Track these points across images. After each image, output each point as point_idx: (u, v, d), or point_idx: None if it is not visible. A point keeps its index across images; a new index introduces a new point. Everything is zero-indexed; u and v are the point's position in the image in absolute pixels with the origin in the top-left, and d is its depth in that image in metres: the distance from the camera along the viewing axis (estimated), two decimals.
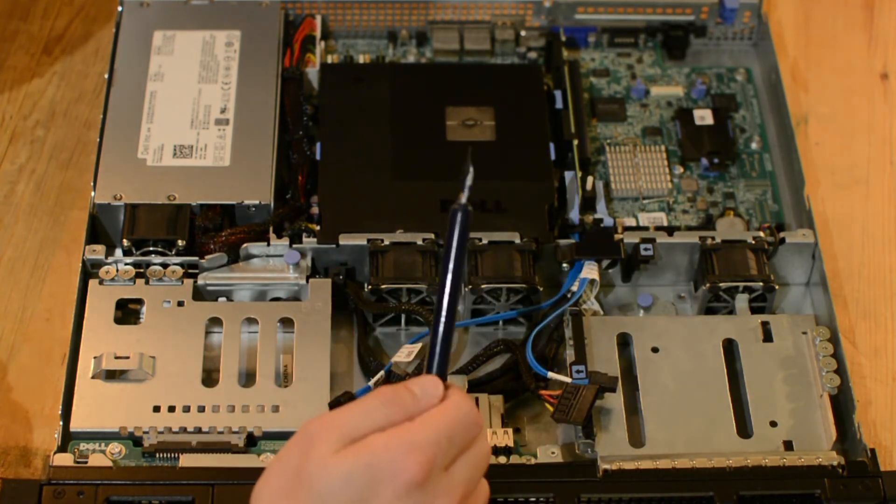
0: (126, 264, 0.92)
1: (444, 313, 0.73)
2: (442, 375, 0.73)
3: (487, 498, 0.74)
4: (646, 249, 0.94)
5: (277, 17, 1.05)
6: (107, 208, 0.94)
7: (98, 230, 0.95)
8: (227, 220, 0.95)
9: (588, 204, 0.99)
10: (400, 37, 1.09)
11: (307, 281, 0.92)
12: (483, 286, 0.91)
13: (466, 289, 0.92)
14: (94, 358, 0.88)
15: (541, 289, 0.92)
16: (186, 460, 0.84)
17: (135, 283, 0.92)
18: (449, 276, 0.73)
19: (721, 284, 0.92)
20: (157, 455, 0.85)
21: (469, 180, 0.73)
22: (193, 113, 0.99)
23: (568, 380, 0.88)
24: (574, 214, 0.97)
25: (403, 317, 0.93)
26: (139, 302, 0.91)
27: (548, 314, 0.92)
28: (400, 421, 0.70)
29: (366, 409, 0.71)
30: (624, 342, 0.91)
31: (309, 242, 0.93)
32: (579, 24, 1.09)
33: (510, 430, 0.87)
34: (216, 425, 0.85)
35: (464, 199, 0.73)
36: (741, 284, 0.92)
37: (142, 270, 0.92)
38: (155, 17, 1.04)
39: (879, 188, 1.03)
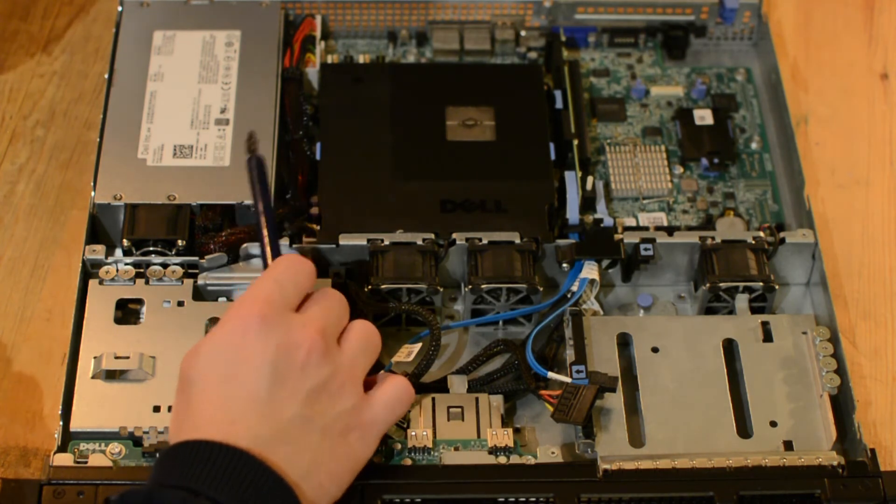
0: (126, 264, 0.92)
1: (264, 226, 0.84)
2: (273, 252, 0.84)
3: (369, 332, 0.83)
4: (646, 249, 0.94)
5: (277, 17, 1.05)
6: (107, 208, 0.94)
7: (98, 230, 0.95)
8: (227, 220, 0.95)
9: (588, 204, 0.99)
10: (400, 37, 1.09)
11: None
12: (483, 286, 0.91)
13: (467, 289, 0.92)
14: (94, 358, 0.88)
15: (541, 289, 0.92)
16: None
17: (135, 283, 0.92)
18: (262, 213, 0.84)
19: (721, 284, 0.92)
20: (157, 455, 0.85)
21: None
22: (193, 113, 0.99)
23: (568, 380, 0.88)
24: (574, 214, 0.97)
25: (403, 317, 0.93)
26: (139, 302, 0.91)
27: (548, 314, 0.92)
28: None
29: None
30: (624, 342, 0.91)
31: (309, 242, 0.93)
32: (579, 24, 1.09)
33: (510, 430, 0.87)
34: None
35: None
36: (741, 284, 0.92)
37: (142, 270, 0.92)
38: (155, 17, 1.04)
39: (879, 188, 1.03)
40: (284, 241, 0.93)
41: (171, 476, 0.74)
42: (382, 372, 0.85)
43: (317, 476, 0.77)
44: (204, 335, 0.90)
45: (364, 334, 0.82)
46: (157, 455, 0.77)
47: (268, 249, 0.84)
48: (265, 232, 0.85)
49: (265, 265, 0.84)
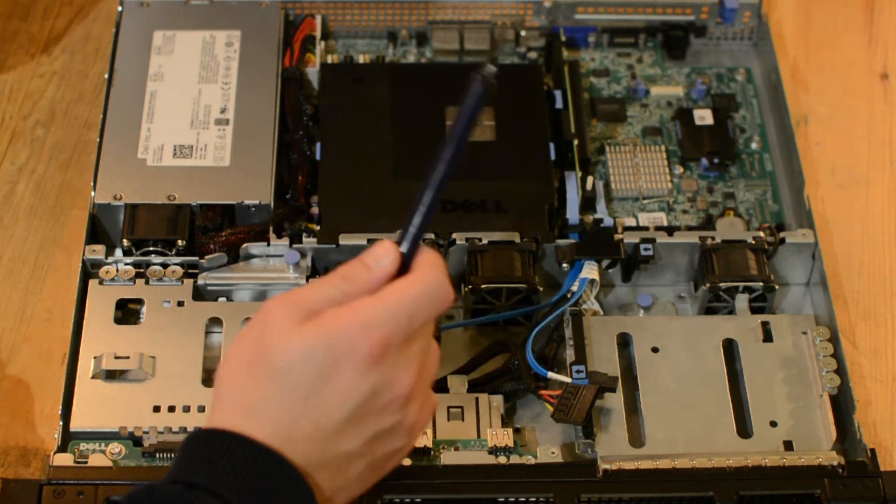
0: (126, 264, 0.92)
1: (438, 178, 0.73)
2: (412, 244, 0.72)
3: (438, 356, 0.75)
4: (646, 249, 0.94)
5: (277, 17, 1.05)
6: (107, 208, 0.94)
7: (98, 230, 0.95)
8: (227, 220, 0.95)
9: (588, 204, 0.99)
10: (400, 37, 1.09)
11: (307, 281, 0.92)
12: (483, 286, 0.91)
13: (467, 289, 0.92)
14: (94, 358, 0.88)
15: (541, 289, 0.92)
16: None
17: (135, 283, 0.92)
18: (453, 147, 0.73)
19: (721, 284, 0.92)
20: (157, 455, 0.85)
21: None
22: (193, 113, 0.99)
23: (568, 380, 0.88)
24: (574, 214, 0.96)
25: None
26: (139, 302, 0.91)
27: (548, 314, 0.92)
28: (356, 295, 0.71)
29: (322, 284, 0.71)
30: (624, 342, 0.91)
31: (309, 242, 0.93)
32: (579, 24, 1.09)
33: (510, 430, 0.87)
34: None
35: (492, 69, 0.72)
36: (741, 284, 0.92)
37: (142, 270, 0.92)
38: (155, 17, 1.04)
39: (879, 188, 1.03)
40: (284, 241, 0.93)
41: (206, 474, 0.68)
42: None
43: (341, 496, 0.73)
44: (204, 335, 0.89)
45: (433, 377, 0.76)
46: (198, 432, 0.70)
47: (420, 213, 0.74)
48: (440, 175, 0.74)
49: (405, 228, 0.73)
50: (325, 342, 0.69)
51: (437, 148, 0.73)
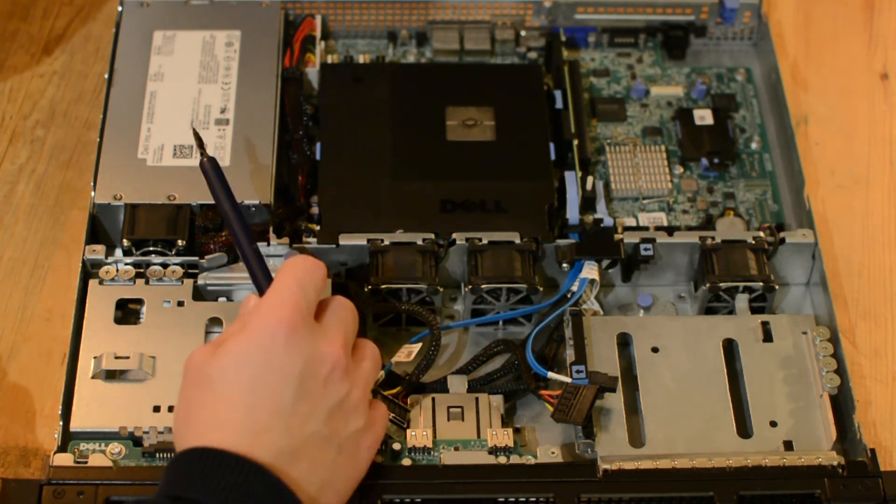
0: (126, 264, 0.92)
1: (243, 242, 0.85)
2: (263, 284, 0.84)
3: (377, 354, 0.83)
4: (646, 249, 0.94)
5: (277, 17, 1.05)
6: (107, 208, 0.94)
7: (98, 230, 0.95)
8: None
9: (588, 204, 0.99)
10: (400, 37, 1.09)
11: None
12: (483, 286, 0.91)
13: (467, 289, 0.92)
14: (94, 358, 0.88)
15: (541, 289, 0.92)
16: None
17: (135, 283, 0.92)
18: (231, 216, 0.86)
19: (721, 284, 0.92)
20: (157, 455, 0.85)
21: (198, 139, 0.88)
22: (193, 113, 0.99)
23: (568, 380, 0.88)
24: (574, 214, 0.96)
25: (403, 317, 0.93)
26: (139, 302, 0.91)
27: (548, 314, 0.92)
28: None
29: (224, 330, 0.83)
30: (624, 342, 0.91)
31: (309, 242, 0.93)
32: (579, 24, 1.09)
33: (510, 430, 0.87)
34: None
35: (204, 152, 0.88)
36: (741, 284, 0.92)
37: (142, 270, 0.92)
38: (155, 17, 1.04)
39: (879, 188, 1.03)
40: (284, 241, 0.93)
41: (187, 487, 0.73)
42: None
43: (328, 493, 0.77)
44: (204, 335, 0.90)
45: (374, 354, 0.82)
46: (172, 459, 0.75)
47: (252, 261, 0.85)
48: (238, 231, 0.86)
49: (249, 268, 0.85)
50: (247, 339, 0.77)
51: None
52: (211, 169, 0.88)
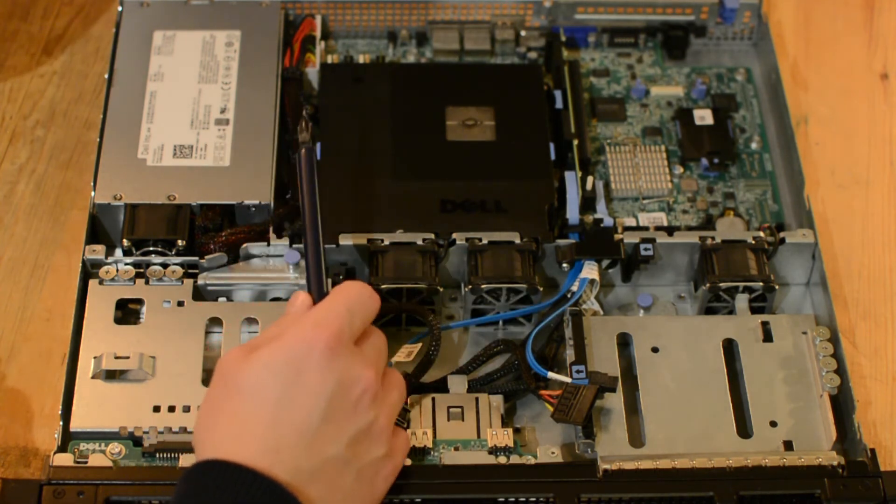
0: (126, 264, 0.92)
1: (311, 239, 0.83)
2: (317, 288, 0.82)
3: (403, 387, 0.82)
4: (646, 249, 0.94)
5: (277, 17, 1.05)
6: (107, 208, 0.94)
7: (98, 230, 0.95)
8: (227, 220, 0.95)
9: (588, 204, 0.99)
10: (400, 37, 1.09)
11: (307, 281, 0.92)
12: (483, 286, 0.91)
13: (467, 289, 0.92)
14: (94, 358, 0.88)
15: (541, 289, 0.92)
16: (186, 460, 0.84)
17: (135, 283, 0.92)
18: (308, 212, 0.84)
19: (721, 284, 0.92)
20: (157, 455, 0.85)
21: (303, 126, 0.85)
22: (193, 113, 0.99)
23: (568, 380, 0.88)
24: (574, 214, 0.96)
25: (403, 317, 0.93)
26: (139, 302, 0.91)
27: (548, 314, 0.92)
28: None
29: (261, 333, 0.81)
30: (624, 342, 0.91)
31: None
32: (579, 24, 1.09)
33: (510, 430, 0.87)
34: None
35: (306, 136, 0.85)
36: (741, 284, 0.92)
37: (142, 270, 0.92)
38: (155, 17, 1.04)
39: (879, 188, 1.03)
40: (284, 241, 0.93)
41: (201, 499, 0.72)
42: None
43: None
44: (204, 335, 0.90)
45: (401, 384, 0.82)
46: (191, 469, 0.73)
47: (311, 261, 0.84)
48: (311, 228, 0.84)
49: (308, 269, 0.83)
50: (283, 351, 0.75)
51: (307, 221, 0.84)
52: (307, 160, 0.85)
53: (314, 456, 0.74)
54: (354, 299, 0.79)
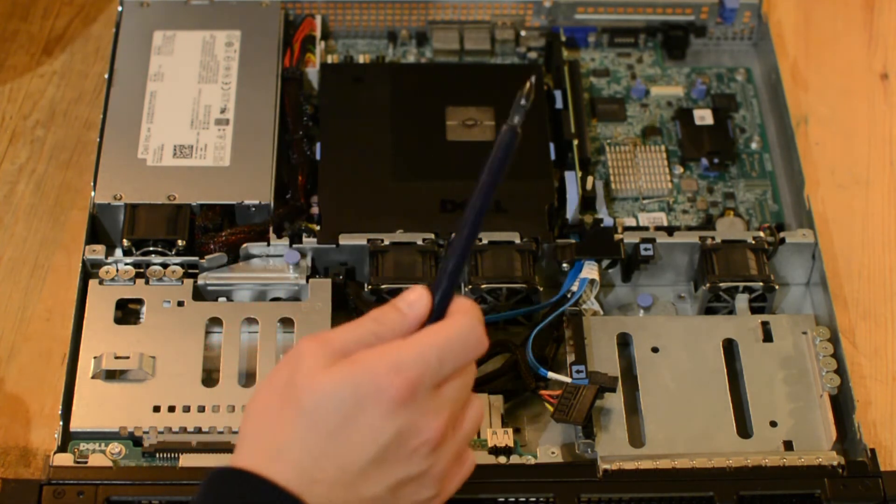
0: (126, 264, 0.92)
1: (468, 229, 0.72)
2: (445, 289, 0.71)
3: (480, 412, 0.73)
4: (646, 249, 0.94)
5: (277, 17, 1.05)
6: (107, 208, 0.94)
7: (98, 230, 0.95)
8: (227, 220, 0.95)
9: (588, 204, 0.99)
10: (400, 37, 1.09)
11: (307, 281, 0.92)
12: (483, 286, 0.91)
13: (467, 289, 0.92)
14: (94, 358, 0.88)
15: (541, 289, 0.92)
16: (186, 460, 0.84)
17: (135, 283, 0.92)
18: (482, 197, 0.73)
19: (721, 284, 0.92)
20: (157, 455, 0.85)
21: (524, 102, 0.73)
22: (193, 113, 0.99)
23: (568, 380, 0.88)
24: (574, 214, 0.96)
25: None
26: (139, 302, 0.91)
27: (548, 314, 0.92)
28: (388, 337, 0.70)
29: (355, 326, 0.71)
30: (624, 342, 0.91)
31: (309, 242, 0.93)
32: (579, 24, 1.09)
33: (510, 430, 0.87)
34: (216, 425, 0.85)
35: (516, 120, 0.74)
36: (741, 284, 0.92)
37: (142, 270, 0.92)
38: (155, 17, 1.04)
39: (879, 188, 1.03)
40: (284, 241, 0.93)
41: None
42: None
43: None
44: (204, 335, 0.90)
45: (476, 418, 0.73)
46: (218, 471, 0.69)
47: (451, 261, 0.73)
48: (473, 222, 0.73)
49: (440, 274, 0.72)
50: (352, 382, 0.69)
51: (468, 197, 0.74)
52: (507, 143, 0.75)
53: (352, 493, 0.70)
54: (451, 345, 0.70)
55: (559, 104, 1.02)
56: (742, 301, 0.93)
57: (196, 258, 0.92)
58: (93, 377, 0.87)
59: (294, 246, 0.93)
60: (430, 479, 0.71)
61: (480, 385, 0.89)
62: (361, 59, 1.08)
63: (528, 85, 0.73)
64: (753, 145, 1.04)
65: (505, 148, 0.74)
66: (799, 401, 0.88)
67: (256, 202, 0.94)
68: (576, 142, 1.00)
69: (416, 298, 0.72)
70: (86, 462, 0.84)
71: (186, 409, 0.86)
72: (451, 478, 0.73)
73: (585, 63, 1.09)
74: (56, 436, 0.85)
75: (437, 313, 0.71)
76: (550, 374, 0.88)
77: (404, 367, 0.68)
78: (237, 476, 0.69)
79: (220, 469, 0.70)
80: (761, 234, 0.94)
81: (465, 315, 0.71)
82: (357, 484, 0.69)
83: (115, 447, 0.85)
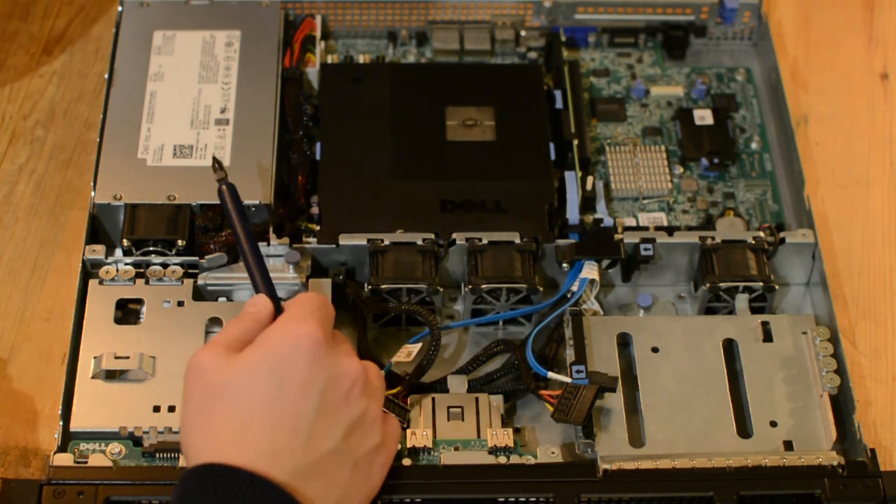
0: (126, 264, 0.92)
1: (249, 250, 0.84)
2: (269, 291, 0.83)
3: (380, 372, 0.82)
4: (646, 249, 0.94)
5: (277, 17, 1.05)
6: (107, 208, 0.94)
7: (98, 230, 0.95)
8: (228, 220, 0.94)
9: (588, 204, 0.99)
10: (400, 37, 1.09)
11: (307, 281, 0.92)
12: (483, 286, 0.91)
13: (467, 289, 0.92)
14: (94, 358, 0.88)
15: (541, 289, 0.92)
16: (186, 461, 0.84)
17: (135, 283, 0.92)
18: (243, 239, 0.85)
19: (721, 284, 0.92)
20: (157, 455, 0.85)
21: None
22: (193, 113, 0.99)
23: (568, 380, 0.88)
24: (574, 214, 0.96)
25: (403, 317, 0.93)
26: (139, 302, 0.91)
27: (548, 314, 0.92)
28: (258, 330, 0.79)
29: (230, 327, 0.80)
30: (624, 342, 0.91)
31: (309, 242, 0.93)
32: (579, 24, 1.09)
33: (510, 430, 0.87)
34: None
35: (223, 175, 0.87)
36: (741, 284, 0.92)
37: (142, 270, 0.92)
38: (155, 17, 1.04)
39: (879, 188, 1.03)
40: (284, 241, 0.93)
41: (201, 502, 0.72)
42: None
43: None
44: (204, 335, 0.90)
45: (379, 373, 0.82)
46: (187, 474, 0.74)
47: (256, 274, 0.85)
48: (252, 259, 0.84)
49: (255, 288, 0.84)
50: (268, 353, 0.76)
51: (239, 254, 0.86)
52: (229, 194, 0.86)
53: (311, 453, 0.75)
54: (318, 303, 0.80)
55: (559, 104, 1.02)
56: (742, 301, 0.93)
57: (196, 258, 0.92)
58: (93, 377, 0.88)
59: (294, 246, 0.93)
60: (371, 422, 0.79)
61: (480, 385, 0.90)
62: (361, 59, 1.08)
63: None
64: (753, 145, 1.04)
65: (232, 199, 0.86)
66: (799, 401, 0.88)
67: (256, 202, 0.94)
68: (576, 142, 1.00)
69: (258, 300, 0.82)
70: (86, 462, 0.84)
71: None
72: (389, 434, 0.80)
73: (585, 63, 1.09)
74: (56, 436, 0.85)
75: (277, 304, 0.82)
76: (550, 374, 0.88)
77: (301, 317, 0.77)
78: (204, 471, 0.73)
79: (190, 470, 0.74)
80: (761, 234, 0.94)
81: (302, 294, 0.82)
82: (313, 442, 0.75)
83: (115, 447, 0.85)
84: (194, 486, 0.73)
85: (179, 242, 0.92)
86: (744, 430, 0.87)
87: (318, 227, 0.94)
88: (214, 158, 0.87)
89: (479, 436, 0.87)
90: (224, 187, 0.86)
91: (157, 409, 0.86)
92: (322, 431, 0.76)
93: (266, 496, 0.72)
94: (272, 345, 0.76)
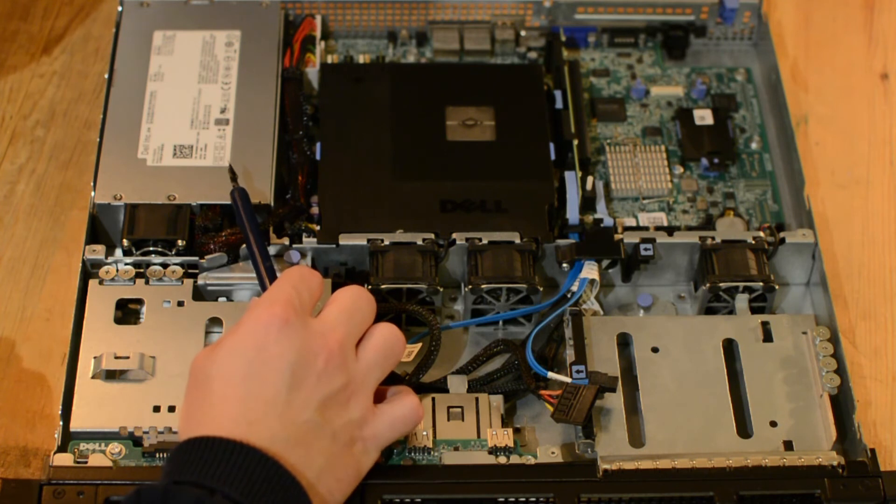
0: (126, 264, 0.92)
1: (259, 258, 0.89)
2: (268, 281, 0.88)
3: (394, 340, 0.83)
4: (646, 249, 0.94)
5: (277, 17, 1.05)
6: (107, 208, 0.94)
7: (98, 230, 0.95)
8: (227, 220, 0.95)
9: (588, 204, 0.99)
10: (400, 37, 1.09)
11: None
12: (483, 286, 0.91)
13: (467, 289, 0.92)
14: (94, 358, 0.88)
15: (541, 289, 0.92)
16: None
17: (135, 283, 0.92)
18: (253, 242, 0.89)
19: (721, 284, 0.92)
20: (157, 455, 0.85)
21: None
22: (193, 113, 0.99)
23: (568, 380, 0.88)
24: (574, 214, 0.96)
25: (403, 317, 0.93)
26: (139, 302, 0.91)
27: (548, 314, 0.92)
28: None
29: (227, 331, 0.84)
30: (624, 342, 0.91)
31: (309, 242, 0.93)
32: (579, 24, 1.09)
33: (510, 430, 0.87)
34: None
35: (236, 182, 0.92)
36: (741, 284, 0.92)
37: (142, 270, 0.92)
38: (155, 17, 1.04)
39: (879, 188, 1.03)
40: (284, 242, 0.93)
41: (187, 472, 0.74)
42: (396, 387, 0.85)
43: (327, 480, 0.78)
44: (204, 335, 0.90)
45: (384, 342, 0.83)
46: (173, 450, 0.77)
47: (265, 275, 0.88)
48: (260, 260, 0.89)
49: (263, 288, 0.87)
50: (242, 334, 0.79)
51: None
52: (241, 200, 0.91)
53: (287, 424, 0.77)
54: (295, 278, 0.82)
55: (559, 104, 1.02)
56: (742, 301, 0.93)
57: (196, 258, 0.92)
58: (93, 377, 0.88)
59: (294, 246, 0.93)
60: (349, 395, 0.80)
61: (481, 385, 0.90)
62: (361, 59, 1.08)
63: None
64: (753, 145, 1.04)
65: (244, 204, 0.91)
66: (799, 401, 0.88)
67: (256, 202, 0.94)
68: (576, 142, 1.00)
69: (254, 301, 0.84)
70: (86, 462, 0.84)
71: None
72: (386, 411, 0.82)
73: (585, 63, 1.09)
74: (56, 436, 0.85)
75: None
76: (550, 374, 0.89)
77: (270, 298, 0.80)
78: (186, 445, 0.76)
79: (173, 449, 0.77)
80: (761, 234, 0.94)
81: (289, 269, 0.84)
82: (288, 413, 0.78)
83: (115, 447, 0.85)
84: (179, 459, 0.75)
85: (179, 242, 0.92)
86: (744, 430, 0.87)
87: (318, 227, 0.94)
88: (231, 167, 0.91)
89: (479, 436, 0.87)
90: (237, 193, 0.91)
91: (157, 409, 0.86)
92: (297, 404, 0.78)
93: (248, 459, 0.75)
94: (243, 329, 0.79)
